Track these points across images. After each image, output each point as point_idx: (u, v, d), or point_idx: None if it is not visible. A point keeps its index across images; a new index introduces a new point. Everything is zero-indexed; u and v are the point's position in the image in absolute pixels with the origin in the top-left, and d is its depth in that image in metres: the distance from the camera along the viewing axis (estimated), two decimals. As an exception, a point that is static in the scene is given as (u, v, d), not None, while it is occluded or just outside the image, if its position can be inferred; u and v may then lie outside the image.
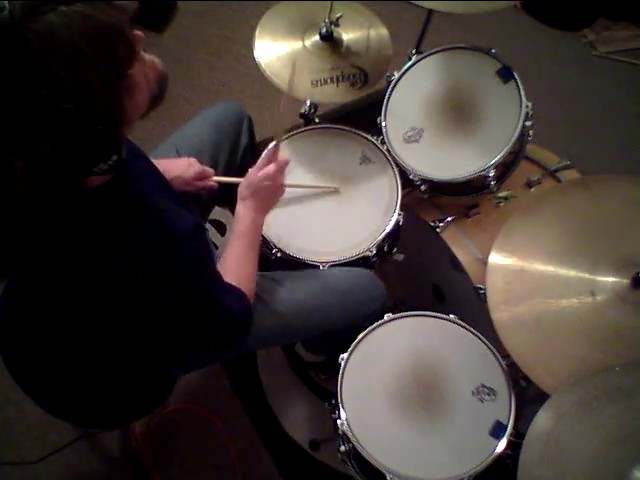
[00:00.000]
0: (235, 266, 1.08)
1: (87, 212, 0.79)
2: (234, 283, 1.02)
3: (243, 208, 1.14)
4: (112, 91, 0.70)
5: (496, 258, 1.12)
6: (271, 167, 1.16)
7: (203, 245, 0.91)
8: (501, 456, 1.08)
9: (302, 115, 1.51)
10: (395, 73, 1.41)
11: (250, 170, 1.17)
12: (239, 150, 1.43)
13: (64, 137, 0.67)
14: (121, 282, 0.83)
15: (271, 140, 1.40)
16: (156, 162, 1.19)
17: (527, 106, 1.29)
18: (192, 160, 1.25)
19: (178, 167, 1.22)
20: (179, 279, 0.86)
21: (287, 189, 1.37)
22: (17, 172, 0.68)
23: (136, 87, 0.75)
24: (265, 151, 1.19)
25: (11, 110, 0.63)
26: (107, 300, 0.87)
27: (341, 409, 1.13)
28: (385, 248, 1.38)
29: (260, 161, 1.17)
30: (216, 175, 1.28)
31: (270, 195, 1.18)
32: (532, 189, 1.44)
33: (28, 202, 0.76)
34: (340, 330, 1.27)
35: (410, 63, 1.41)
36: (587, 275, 1.06)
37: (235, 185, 1.27)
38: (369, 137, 1.42)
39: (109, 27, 0.67)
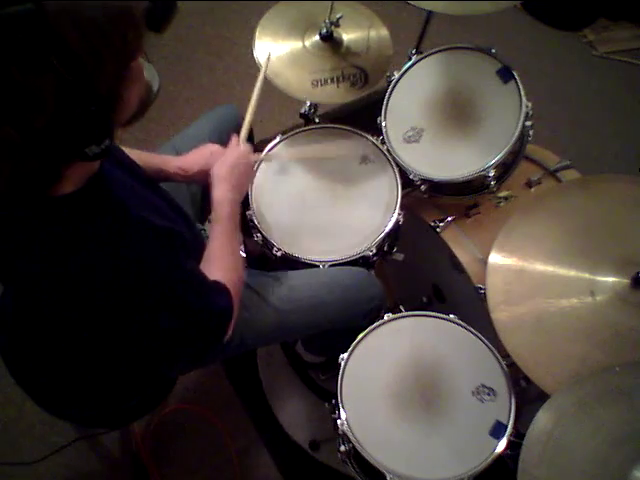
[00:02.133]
0: (220, 257, 1.06)
1: (58, 221, 0.78)
2: (219, 274, 1.00)
3: (219, 191, 1.12)
4: (118, 73, 0.72)
5: (496, 258, 1.12)
6: (244, 146, 1.21)
7: (180, 249, 0.90)
8: (501, 456, 1.08)
9: (302, 115, 1.51)
10: (395, 73, 1.41)
11: (225, 149, 1.19)
12: None
13: (63, 111, 0.67)
14: (97, 290, 0.82)
15: (272, 139, 1.41)
16: (177, 158, 1.19)
17: (527, 106, 1.29)
18: (214, 147, 1.22)
19: (200, 160, 1.20)
20: (157, 282, 0.85)
21: (287, 189, 1.37)
22: (7, 145, 0.68)
23: (134, 81, 0.76)
24: (235, 136, 1.22)
25: (20, 73, 0.63)
26: (90, 309, 0.87)
27: (341, 409, 1.13)
28: (385, 248, 1.38)
29: (232, 142, 1.21)
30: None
31: (244, 173, 1.18)
32: (532, 189, 1.44)
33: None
34: (339, 328, 1.27)
35: (410, 63, 1.41)
36: (587, 275, 1.06)
37: None
38: (369, 137, 1.42)
39: (126, 12, 0.70)
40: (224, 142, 1.36)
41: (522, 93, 1.29)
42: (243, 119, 1.30)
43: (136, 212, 0.84)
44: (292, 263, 1.32)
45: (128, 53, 0.72)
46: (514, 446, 1.08)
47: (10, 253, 0.84)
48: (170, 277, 0.87)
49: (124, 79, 0.74)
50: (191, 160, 1.21)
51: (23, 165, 0.71)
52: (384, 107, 1.40)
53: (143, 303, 0.85)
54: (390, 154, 1.39)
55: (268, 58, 1.37)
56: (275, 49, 1.42)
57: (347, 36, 1.45)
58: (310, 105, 1.49)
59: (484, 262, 1.16)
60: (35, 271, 0.83)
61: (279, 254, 1.31)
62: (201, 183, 1.27)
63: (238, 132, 1.43)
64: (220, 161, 1.16)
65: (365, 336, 1.20)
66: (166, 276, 0.86)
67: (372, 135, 1.42)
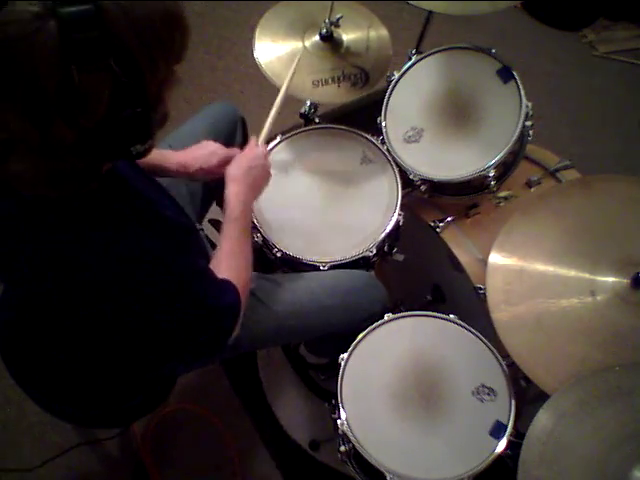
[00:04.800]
0: (230, 255, 1.06)
1: (79, 217, 0.79)
2: (229, 273, 1.00)
3: (234, 189, 1.11)
4: (167, 76, 0.73)
5: (496, 258, 1.12)
6: (262, 148, 1.20)
7: (195, 244, 0.91)
8: (501, 456, 1.08)
9: (302, 115, 1.51)
10: (395, 73, 1.41)
11: (240, 152, 1.18)
12: None
13: (114, 111, 0.68)
14: (110, 284, 0.83)
15: (272, 139, 1.41)
16: (177, 154, 1.19)
17: (527, 106, 1.29)
18: (216, 147, 1.22)
19: (201, 158, 1.20)
20: (170, 277, 0.85)
21: (287, 189, 1.37)
22: (60, 144, 0.68)
23: (175, 83, 0.77)
24: (253, 137, 1.22)
25: (79, 72, 0.64)
26: (99, 304, 0.87)
27: (341, 409, 1.13)
28: (385, 248, 1.38)
29: (250, 143, 1.20)
30: None
31: (261, 175, 1.17)
32: (532, 189, 1.44)
33: (38, 187, 0.75)
34: (340, 332, 1.27)
35: (410, 63, 1.41)
36: (587, 275, 1.06)
37: None
38: (369, 137, 1.42)
39: (177, 14, 0.72)
40: (220, 140, 1.36)
41: (522, 93, 1.29)
42: (243, 119, 1.30)
43: (152, 206, 0.85)
44: (292, 264, 1.32)
45: (177, 56, 0.74)
46: (514, 446, 1.08)
47: (24, 250, 0.84)
48: (183, 272, 0.87)
49: (170, 81, 0.75)
50: (192, 156, 1.20)
51: (70, 164, 0.72)
52: (384, 107, 1.40)
53: (156, 297, 0.86)
54: (390, 154, 1.39)
55: (298, 59, 1.36)
56: (275, 49, 1.42)
57: (347, 36, 1.45)
58: (310, 105, 1.49)
59: (484, 262, 1.16)
60: (50, 267, 0.83)
61: (279, 255, 1.31)
62: (201, 180, 1.27)
63: (234, 131, 1.43)
64: (236, 161, 1.15)
65: (365, 336, 1.20)
66: (180, 271, 0.87)
67: (372, 135, 1.42)
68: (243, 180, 1.12)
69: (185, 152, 1.22)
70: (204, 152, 1.21)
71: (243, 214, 1.10)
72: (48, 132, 0.67)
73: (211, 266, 1.02)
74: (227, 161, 1.19)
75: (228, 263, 1.04)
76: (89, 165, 0.74)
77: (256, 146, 1.20)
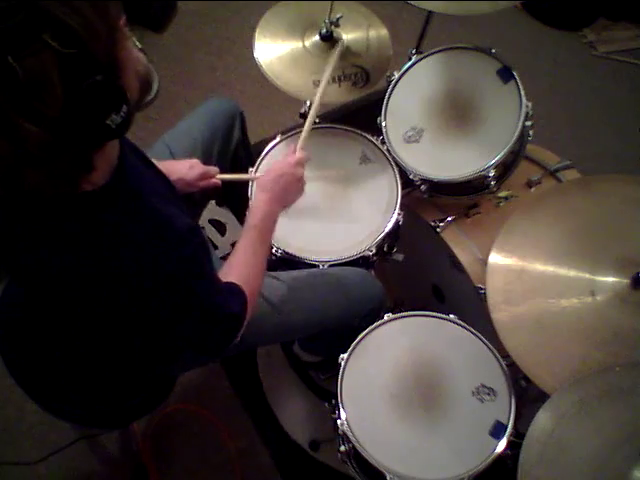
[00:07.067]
0: (242, 262, 1.07)
1: (86, 215, 0.78)
2: (238, 279, 1.00)
3: (259, 196, 1.15)
4: (110, 35, 0.69)
5: (496, 258, 1.12)
6: (295, 155, 1.20)
7: (200, 247, 0.91)
8: (501, 456, 1.08)
9: (302, 115, 1.51)
10: (395, 73, 1.41)
11: (275, 160, 1.21)
12: (231, 146, 1.43)
13: (72, 89, 0.65)
14: (117, 284, 0.82)
15: (272, 139, 1.41)
16: (157, 164, 1.19)
17: (527, 106, 1.29)
18: (194, 161, 1.25)
19: (180, 169, 1.22)
20: (175, 281, 0.85)
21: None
22: (31, 140, 0.65)
23: (126, 39, 0.74)
24: (292, 144, 1.24)
25: (17, 59, 0.61)
26: (103, 303, 0.87)
27: (341, 409, 1.13)
28: (385, 248, 1.38)
29: (289, 151, 1.22)
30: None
31: (290, 185, 1.18)
32: (532, 189, 1.45)
33: (42, 191, 0.73)
34: (338, 328, 1.28)
35: (410, 63, 1.41)
36: (587, 275, 1.06)
37: (238, 183, 1.27)
38: (369, 137, 1.42)
39: None
40: (218, 137, 1.36)
41: (522, 93, 1.30)
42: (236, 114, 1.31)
43: (157, 206, 0.83)
44: (292, 263, 1.32)
45: (113, 12, 0.70)
46: (514, 446, 1.08)
47: (31, 249, 0.84)
48: (189, 276, 0.87)
49: (117, 40, 0.71)
50: (172, 168, 1.21)
51: (55, 160, 0.70)
52: (384, 107, 1.40)
53: (160, 300, 0.85)
54: (390, 154, 1.39)
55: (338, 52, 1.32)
56: (275, 49, 1.42)
57: (347, 36, 1.45)
58: (310, 105, 1.49)
59: (484, 262, 1.16)
60: (56, 267, 0.83)
61: (279, 254, 1.31)
62: (180, 191, 1.28)
63: (232, 126, 1.43)
64: (267, 169, 1.18)
65: (365, 336, 1.20)
66: (184, 274, 0.86)
67: (372, 135, 1.42)
68: (270, 189, 1.15)
69: (166, 162, 1.22)
70: (184, 164, 1.24)
71: (262, 222, 1.12)
72: (18, 138, 0.64)
73: (223, 271, 1.03)
74: (206, 176, 1.24)
75: (239, 270, 1.04)
76: (76, 156, 0.71)
77: (292, 154, 1.21)
